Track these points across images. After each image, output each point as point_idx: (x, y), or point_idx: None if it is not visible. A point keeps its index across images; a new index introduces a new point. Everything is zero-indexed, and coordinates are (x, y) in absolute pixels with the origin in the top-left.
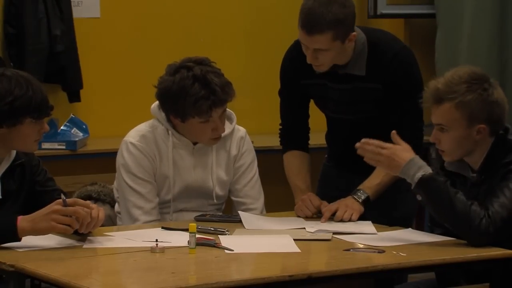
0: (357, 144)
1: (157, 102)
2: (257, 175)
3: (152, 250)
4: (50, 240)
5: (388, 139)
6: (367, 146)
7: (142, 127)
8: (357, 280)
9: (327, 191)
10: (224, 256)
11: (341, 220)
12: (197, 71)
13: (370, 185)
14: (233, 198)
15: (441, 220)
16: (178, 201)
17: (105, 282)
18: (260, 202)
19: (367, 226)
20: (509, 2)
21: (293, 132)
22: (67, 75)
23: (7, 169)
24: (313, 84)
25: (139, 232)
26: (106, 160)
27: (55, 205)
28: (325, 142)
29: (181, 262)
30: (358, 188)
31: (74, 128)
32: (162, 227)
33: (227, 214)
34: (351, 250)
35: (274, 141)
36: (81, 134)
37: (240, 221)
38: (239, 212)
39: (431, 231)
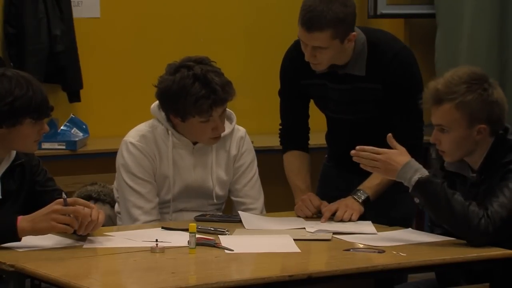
0: (352, 152)
1: (156, 102)
2: (257, 175)
3: (152, 250)
4: (50, 240)
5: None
6: (362, 153)
7: (142, 127)
8: (357, 280)
9: (327, 191)
10: (224, 256)
11: (341, 220)
12: (198, 70)
13: (370, 185)
14: (233, 198)
15: (440, 222)
16: (178, 201)
17: (105, 282)
18: (260, 202)
19: (367, 226)
20: (509, 2)
21: (293, 132)
22: (67, 75)
23: (7, 169)
24: (313, 84)
25: (139, 232)
26: (106, 160)
27: (55, 205)
28: (325, 142)
29: (181, 262)
30: (358, 188)
31: (74, 128)
32: (162, 227)
33: (227, 214)
34: (351, 250)
35: (274, 141)
36: (81, 134)
37: (240, 221)
38: (239, 212)
39: (431, 231)
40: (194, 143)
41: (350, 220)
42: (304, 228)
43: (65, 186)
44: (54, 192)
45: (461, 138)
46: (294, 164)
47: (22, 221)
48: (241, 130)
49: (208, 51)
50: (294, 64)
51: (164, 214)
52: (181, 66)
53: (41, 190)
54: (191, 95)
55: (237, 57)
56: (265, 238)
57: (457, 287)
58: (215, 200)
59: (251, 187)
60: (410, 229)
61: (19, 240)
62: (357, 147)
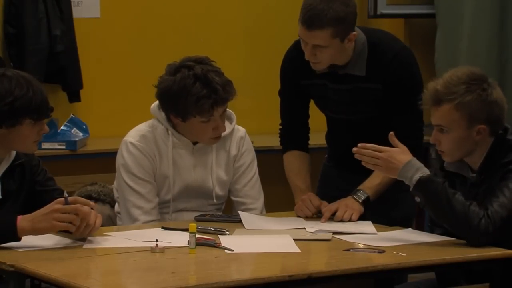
0: (354, 149)
1: (156, 102)
2: (257, 175)
3: (152, 250)
4: (50, 240)
5: (388, 140)
6: (364, 151)
7: (142, 127)
8: (357, 280)
9: (327, 191)
10: (224, 256)
11: (341, 220)
12: (198, 70)
13: (370, 185)
14: (233, 198)
15: (440, 221)
16: (178, 201)
17: (105, 282)
18: (260, 202)
19: (367, 226)
20: (509, 2)
21: (293, 132)
22: (67, 75)
23: (7, 169)
24: (313, 84)
25: (139, 232)
26: (106, 160)
27: (55, 204)
28: (325, 142)
29: (181, 262)
30: (358, 188)
31: (74, 128)
32: (162, 227)
33: (227, 214)
34: (351, 250)
35: (274, 141)
36: (81, 134)
37: (240, 221)
38: (239, 212)
39: (431, 231)
40: (194, 143)
41: (350, 220)
42: (304, 228)
43: (65, 186)
44: (54, 192)
45: (461, 138)
46: (294, 164)
47: (22, 220)
48: (241, 130)
49: (208, 51)
50: (294, 64)
51: (164, 214)
52: (181, 66)
53: (41, 190)
54: (192, 95)
55: (237, 57)
56: (265, 238)
57: (457, 287)
58: (215, 200)
59: (251, 187)
60: (410, 229)
61: (19, 240)
62: (359, 145)
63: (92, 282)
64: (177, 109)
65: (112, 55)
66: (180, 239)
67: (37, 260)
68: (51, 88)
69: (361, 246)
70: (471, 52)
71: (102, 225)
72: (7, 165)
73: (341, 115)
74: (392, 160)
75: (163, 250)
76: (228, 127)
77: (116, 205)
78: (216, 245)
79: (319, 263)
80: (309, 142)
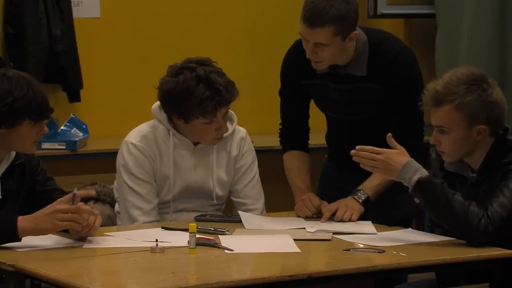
0: (352, 152)
1: (158, 103)
2: (257, 175)
3: (152, 250)
4: (50, 240)
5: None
6: (362, 153)
7: (142, 128)
8: (357, 280)
9: (327, 191)
10: (224, 256)
11: (341, 220)
12: (201, 72)
13: (371, 185)
14: (234, 199)
15: (440, 222)
16: (178, 201)
17: (105, 282)
18: (260, 203)
19: (367, 226)
20: (509, 2)
21: (293, 132)
22: (67, 75)
23: (6, 169)
24: (313, 85)
25: (139, 232)
26: (106, 160)
27: (56, 205)
28: (325, 142)
29: (181, 262)
30: (358, 188)
31: (74, 128)
32: (162, 227)
33: (227, 214)
34: (351, 250)
35: (274, 141)
36: (81, 134)
37: (240, 221)
38: (239, 212)
39: (431, 231)
40: (195, 144)
41: (350, 220)
42: (304, 228)
43: (65, 186)
44: (54, 192)
45: (461, 139)
46: (294, 164)
47: (23, 221)
48: (242, 131)
49: (208, 51)
50: (294, 64)
51: (164, 214)
52: (183, 67)
53: (41, 189)
54: (196, 96)
55: (237, 57)
56: (265, 238)
57: (457, 287)
58: (215, 201)
59: (251, 188)
60: (410, 229)
61: (19, 240)
62: (357, 147)
63: (92, 282)
64: (180, 110)
65: (112, 55)
66: (180, 239)
67: (37, 260)
68: (51, 88)
69: (361, 246)
70: (471, 52)
71: (102, 225)
72: (7, 165)
73: (341, 115)
74: (390, 161)
75: (163, 250)
76: (229, 127)
77: (116, 205)
78: (216, 245)
79: (319, 263)
80: (309, 142)
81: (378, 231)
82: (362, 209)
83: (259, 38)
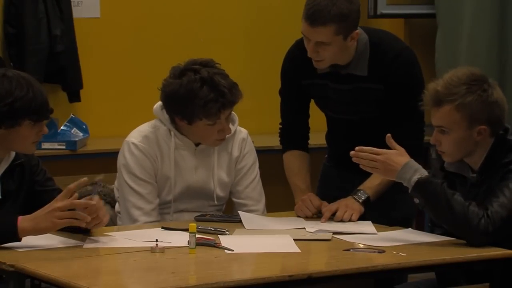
0: (352, 153)
1: (159, 103)
2: (258, 176)
3: (152, 250)
4: (50, 240)
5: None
6: (362, 154)
7: (144, 128)
8: (357, 280)
9: (327, 191)
10: (224, 256)
11: (341, 220)
12: (204, 74)
13: (371, 185)
14: (235, 200)
15: (440, 222)
16: (179, 202)
17: (105, 282)
18: (261, 204)
19: (367, 226)
20: (509, 2)
21: (293, 132)
22: (67, 75)
23: (6, 169)
24: (314, 84)
25: (139, 232)
26: (106, 160)
27: (54, 203)
28: (325, 142)
29: (181, 262)
30: (358, 188)
31: (74, 128)
32: (162, 227)
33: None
34: (351, 250)
35: (274, 141)
36: (81, 134)
37: (240, 221)
38: (239, 212)
39: (431, 231)
40: (197, 144)
41: (350, 220)
42: (304, 228)
43: (65, 186)
44: (54, 192)
45: (461, 139)
46: (294, 164)
47: (23, 221)
48: (243, 132)
49: (208, 51)
50: (295, 64)
51: (165, 215)
52: (187, 69)
53: (41, 190)
54: (200, 98)
55: (237, 57)
56: (265, 238)
57: (457, 287)
58: (215, 202)
59: (252, 189)
60: (410, 229)
61: (19, 240)
62: (356, 148)
63: (92, 282)
64: (184, 112)
65: (112, 55)
66: (180, 239)
67: (37, 260)
68: (51, 88)
69: (361, 246)
70: (471, 52)
71: None
72: (6, 165)
73: (342, 115)
74: (390, 162)
75: (163, 250)
76: (231, 128)
77: (117, 205)
78: (216, 245)
79: (319, 263)
80: (309, 142)
81: (378, 231)
82: (362, 209)
83: (259, 38)
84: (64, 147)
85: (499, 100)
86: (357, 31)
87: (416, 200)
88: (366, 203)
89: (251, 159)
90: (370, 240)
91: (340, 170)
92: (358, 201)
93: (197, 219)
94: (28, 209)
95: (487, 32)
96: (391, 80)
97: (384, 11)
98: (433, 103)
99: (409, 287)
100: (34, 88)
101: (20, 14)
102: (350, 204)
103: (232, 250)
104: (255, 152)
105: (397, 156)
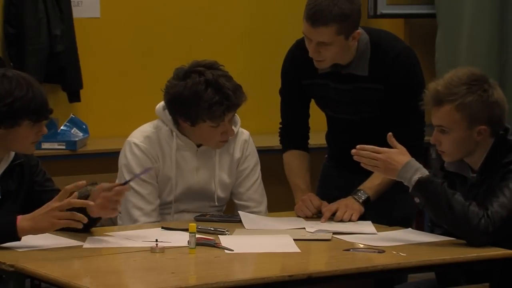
0: (353, 151)
1: (162, 103)
2: (260, 178)
3: (152, 250)
4: (49, 240)
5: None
6: (363, 152)
7: (146, 128)
8: (357, 280)
9: (327, 191)
10: (224, 256)
11: (341, 220)
12: (209, 76)
13: (371, 185)
14: (236, 202)
15: (440, 222)
16: (180, 203)
17: (105, 282)
18: (263, 206)
19: (367, 226)
20: (509, 2)
21: (293, 132)
22: (67, 75)
23: (6, 169)
24: (314, 84)
25: (139, 232)
26: (106, 160)
27: (53, 203)
28: (325, 142)
29: (181, 262)
30: (358, 188)
31: (74, 128)
32: (162, 227)
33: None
34: (351, 250)
35: (274, 141)
36: (81, 134)
37: (240, 221)
38: (239, 212)
39: (431, 231)
40: (198, 146)
41: (350, 220)
42: (304, 228)
43: (65, 186)
44: (53, 192)
45: (461, 139)
46: (294, 164)
47: (22, 220)
48: (245, 133)
49: (208, 51)
50: (295, 63)
51: (166, 215)
52: (191, 71)
53: (40, 190)
54: (204, 101)
55: (237, 57)
56: (265, 238)
57: (457, 287)
58: (216, 203)
59: (254, 191)
60: (410, 229)
61: (19, 239)
62: (358, 146)
63: (92, 282)
64: (188, 114)
65: (112, 55)
66: (180, 239)
67: (37, 260)
68: (51, 88)
69: (361, 246)
70: (471, 52)
71: (102, 225)
72: (6, 165)
73: (342, 114)
74: (391, 161)
75: (163, 250)
76: (233, 130)
77: None
78: (216, 245)
79: (319, 263)
80: (309, 142)
81: (378, 231)
82: (362, 209)
83: (259, 38)
84: (64, 147)
85: (500, 100)
86: (358, 31)
87: (417, 200)
88: (366, 203)
89: (253, 161)
90: (370, 240)
91: (340, 170)
92: (358, 201)
93: (197, 219)
94: (28, 209)
95: (487, 32)
96: (392, 80)
97: (384, 11)
98: (434, 103)
99: (409, 287)
100: (33, 88)
101: (20, 14)
102: (350, 204)
103: (232, 250)
104: (257, 153)
105: (398, 155)
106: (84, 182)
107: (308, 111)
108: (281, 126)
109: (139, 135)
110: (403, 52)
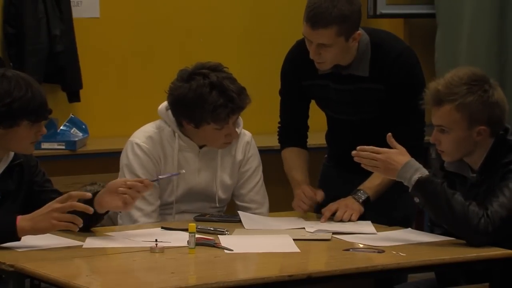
0: (353, 152)
1: (165, 103)
2: (262, 180)
3: (152, 250)
4: (49, 240)
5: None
6: (363, 153)
7: (148, 128)
8: (357, 280)
9: (327, 191)
10: (224, 256)
11: (341, 220)
12: (214, 78)
13: (371, 185)
14: (238, 203)
15: (440, 222)
16: (181, 203)
17: (105, 282)
18: (265, 207)
19: (367, 226)
20: (509, 2)
21: (292, 131)
22: (66, 75)
23: (5, 169)
24: (315, 85)
25: (139, 232)
26: (106, 160)
27: (54, 203)
28: (325, 142)
29: (180, 262)
30: (358, 188)
31: (74, 128)
32: (162, 227)
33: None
34: (351, 250)
35: (274, 141)
36: (80, 134)
37: (240, 221)
38: (239, 212)
39: (431, 231)
40: (200, 147)
41: (350, 220)
42: (304, 228)
43: (64, 186)
44: (52, 193)
45: (461, 139)
46: (292, 159)
47: (22, 220)
48: (247, 135)
49: (208, 51)
50: (295, 64)
51: (167, 216)
52: (196, 73)
53: (39, 190)
54: (209, 103)
55: (237, 57)
56: (264, 238)
57: (457, 287)
58: (217, 204)
59: (256, 192)
60: (410, 229)
61: (19, 239)
62: (358, 147)
63: (92, 282)
64: (192, 116)
65: (112, 55)
66: (180, 239)
67: (37, 260)
68: (50, 88)
69: (361, 246)
70: (471, 52)
71: (102, 225)
72: (5, 165)
73: (342, 115)
74: (391, 161)
75: (162, 250)
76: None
77: None
78: (215, 245)
79: (319, 263)
80: (309, 142)
81: (378, 231)
82: (362, 209)
83: (259, 38)
84: (63, 147)
85: (500, 101)
86: (358, 31)
87: (416, 200)
88: (366, 203)
89: (255, 163)
90: (369, 240)
91: (340, 170)
92: (358, 201)
93: (196, 219)
94: (27, 209)
95: (487, 32)
96: (392, 80)
97: (384, 11)
98: (434, 102)
99: (409, 287)
100: (33, 88)
101: (20, 14)
102: (350, 204)
103: (232, 250)
104: (259, 155)
105: (397, 155)
106: (90, 194)
107: (308, 112)
108: (280, 125)
109: (142, 135)
110: (404, 52)
